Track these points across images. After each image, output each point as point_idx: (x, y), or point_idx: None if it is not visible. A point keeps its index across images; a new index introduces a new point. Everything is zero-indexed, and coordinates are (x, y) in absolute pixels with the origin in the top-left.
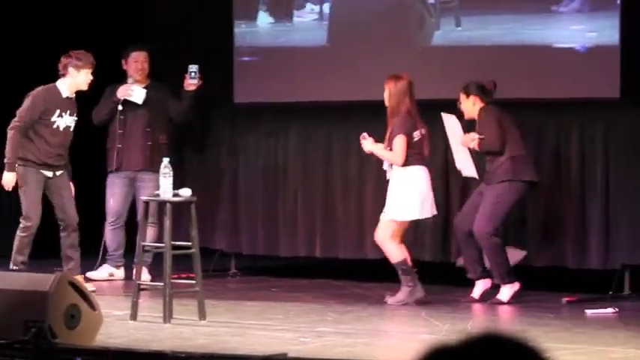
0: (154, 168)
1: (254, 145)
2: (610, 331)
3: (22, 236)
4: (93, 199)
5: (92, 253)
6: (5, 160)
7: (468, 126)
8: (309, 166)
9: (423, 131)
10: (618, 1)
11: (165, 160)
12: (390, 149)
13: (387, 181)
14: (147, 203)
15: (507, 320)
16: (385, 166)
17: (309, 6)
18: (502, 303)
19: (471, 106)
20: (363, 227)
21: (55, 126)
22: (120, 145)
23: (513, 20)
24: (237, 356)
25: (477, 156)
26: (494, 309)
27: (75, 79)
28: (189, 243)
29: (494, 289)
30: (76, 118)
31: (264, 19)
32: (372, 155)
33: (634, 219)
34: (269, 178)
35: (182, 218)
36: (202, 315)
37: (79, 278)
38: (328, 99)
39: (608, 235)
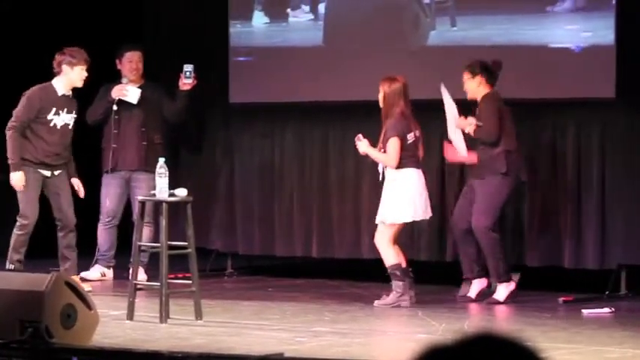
0: (149, 168)
1: (250, 145)
2: (606, 330)
3: (18, 234)
4: (88, 199)
5: (87, 253)
6: (10, 162)
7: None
8: (305, 166)
9: (417, 133)
10: (613, 1)
11: (161, 160)
12: (384, 151)
13: (381, 183)
14: (143, 203)
15: (504, 320)
16: (380, 168)
17: (304, 6)
18: (498, 302)
19: (475, 87)
20: (359, 227)
21: (52, 124)
22: (115, 145)
23: (509, 20)
24: (233, 356)
25: (470, 141)
26: (490, 309)
27: (69, 76)
28: (186, 243)
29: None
30: (74, 116)
31: (259, 19)
32: (367, 156)
33: (630, 218)
34: (265, 178)
35: (178, 218)
36: (199, 315)
37: (76, 278)
38: (324, 99)
39: (604, 234)
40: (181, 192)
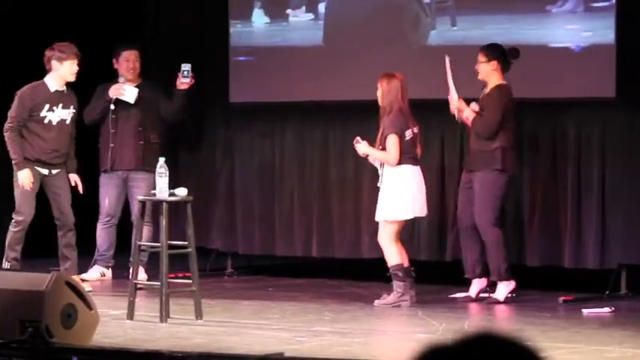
0: (146, 167)
1: (250, 144)
2: (606, 330)
3: (14, 231)
4: (87, 199)
5: (87, 252)
6: (13, 162)
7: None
8: (305, 165)
9: (415, 130)
10: (613, 1)
11: (161, 160)
12: (382, 148)
13: (377, 178)
14: (143, 203)
15: (504, 319)
16: (377, 164)
17: (304, 6)
18: (498, 302)
19: (489, 70)
20: (359, 227)
21: (46, 121)
22: (112, 145)
23: (509, 20)
24: (233, 356)
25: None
26: (490, 308)
27: (59, 72)
28: (186, 242)
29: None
30: (73, 111)
31: (259, 18)
32: (367, 156)
33: (630, 218)
34: (265, 177)
35: (177, 218)
36: (199, 314)
37: (76, 278)
38: (324, 99)
39: (604, 234)
40: (181, 192)
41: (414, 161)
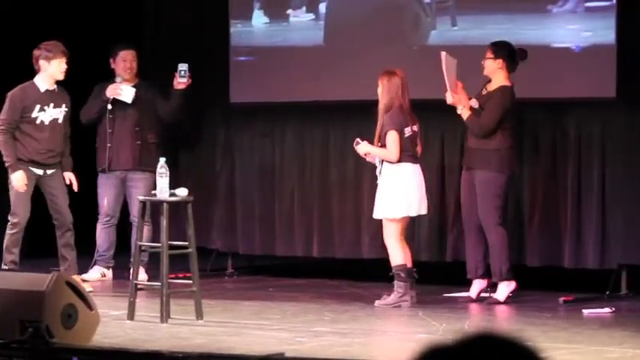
0: (144, 167)
1: (250, 144)
2: (607, 330)
3: (10, 233)
4: (85, 199)
5: (86, 253)
6: (7, 165)
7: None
8: (305, 165)
9: (415, 127)
10: (614, 1)
11: (162, 160)
12: (382, 145)
13: (377, 177)
14: (144, 203)
15: (504, 320)
16: (376, 162)
17: (305, 6)
18: (499, 302)
19: (495, 68)
20: (359, 227)
21: (38, 121)
22: (109, 145)
23: (509, 20)
24: (234, 356)
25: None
26: (490, 309)
27: (48, 71)
28: (186, 242)
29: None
30: (65, 110)
31: (259, 18)
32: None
33: (630, 218)
34: (265, 177)
35: (178, 218)
36: (199, 315)
37: (76, 278)
38: (324, 99)
39: (604, 234)
40: (182, 192)
41: (413, 159)
